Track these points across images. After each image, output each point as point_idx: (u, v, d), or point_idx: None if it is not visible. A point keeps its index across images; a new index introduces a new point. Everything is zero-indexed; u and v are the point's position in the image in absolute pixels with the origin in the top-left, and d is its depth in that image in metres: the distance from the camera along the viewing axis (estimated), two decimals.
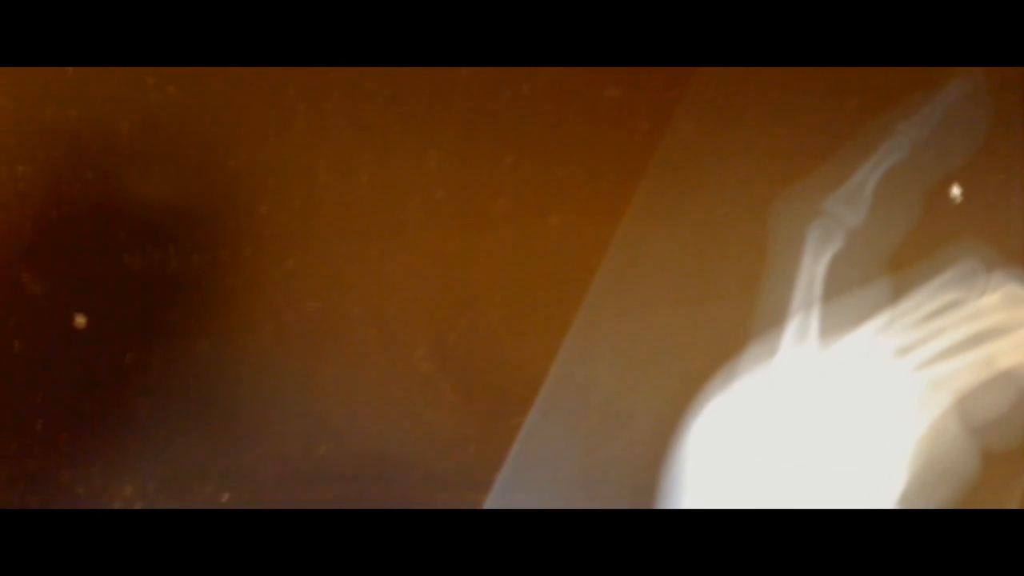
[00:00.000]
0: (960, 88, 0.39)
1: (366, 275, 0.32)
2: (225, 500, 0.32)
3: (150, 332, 0.31)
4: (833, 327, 0.37)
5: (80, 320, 0.30)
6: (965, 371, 0.39)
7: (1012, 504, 0.35)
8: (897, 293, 0.38)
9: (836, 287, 0.37)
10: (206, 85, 0.30)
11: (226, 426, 0.32)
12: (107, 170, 0.29)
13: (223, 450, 0.32)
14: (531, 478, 0.34)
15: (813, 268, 0.37)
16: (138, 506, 0.31)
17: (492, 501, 0.34)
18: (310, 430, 0.32)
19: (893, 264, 0.38)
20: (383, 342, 0.33)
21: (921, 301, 0.39)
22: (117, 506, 0.31)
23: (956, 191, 0.39)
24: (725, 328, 0.36)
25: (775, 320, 0.37)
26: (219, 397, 0.32)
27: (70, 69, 0.28)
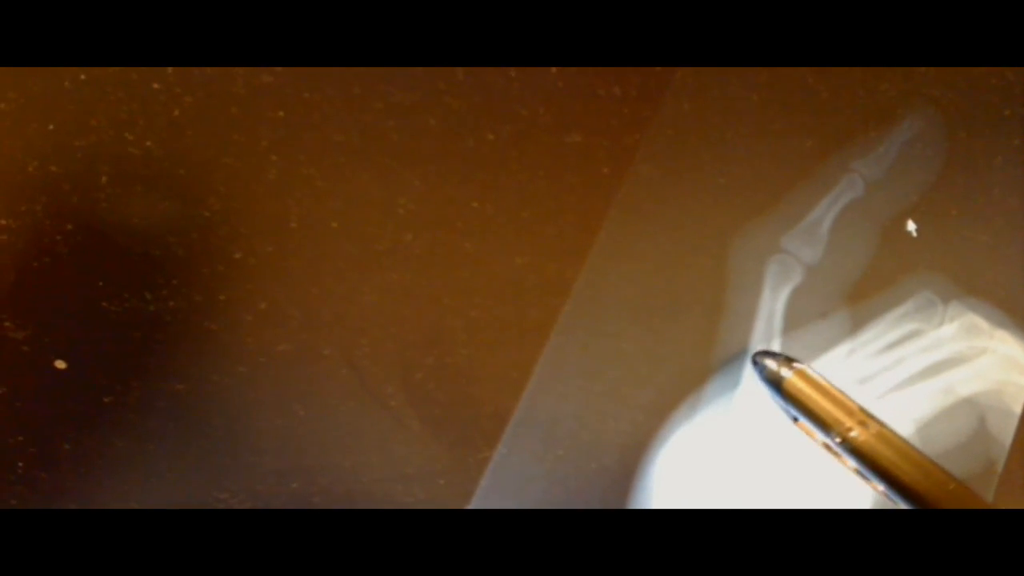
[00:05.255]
0: (913, 127, 0.40)
1: (337, 316, 0.33)
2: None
3: (128, 375, 0.31)
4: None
5: (60, 364, 0.31)
6: (925, 399, 0.40)
7: None
8: (856, 325, 0.39)
9: (796, 320, 0.38)
10: (182, 138, 0.31)
11: (201, 464, 0.32)
12: (86, 221, 0.30)
13: (198, 488, 0.32)
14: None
15: (773, 302, 0.38)
16: None
17: None
18: (283, 467, 0.33)
19: (852, 297, 0.39)
20: (353, 380, 0.33)
21: (880, 332, 0.40)
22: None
23: (911, 226, 0.40)
24: (688, 362, 0.37)
25: (737, 353, 0.38)
26: (195, 437, 0.32)
27: (52, 125, 0.29)
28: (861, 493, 0.38)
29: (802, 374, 0.36)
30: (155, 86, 0.30)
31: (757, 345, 0.38)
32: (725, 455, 0.37)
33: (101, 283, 0.30)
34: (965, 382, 0.41)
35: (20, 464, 0.31)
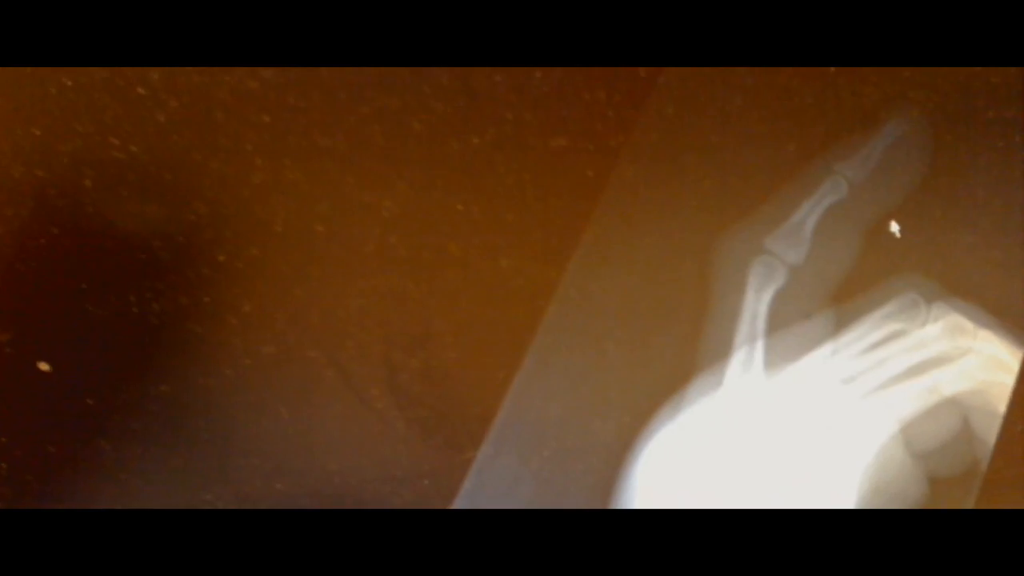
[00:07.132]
0: (896, 129, 0.40)
1: (322, 319, 0.33)
2: None
3: (112, 377, 0.31)
4: (778, 359, 0.38)
5: (44, 366, 0.31)
6: (909, 399, 0.40)
7: None
8: (840, 325, 0.39)
9: (780, 321, 0.38)
10: (167, 143, 0.31)
11: (186, 466, 0.32)
12: (72, 225, 0.30)
13: (184, 490, 0.32)
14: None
15: (756, 304, 0.38)
16: None
17: None
18: (269, 468, 0.33)
19: (835, 298, 0.39)
20: (339, 382, 0.34)
21: (864, 333, 0.40)
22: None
23: (895, 227, 0.40)
24: (672, 362, 0.37)
25: (721, 354, 0.38)
26: (179, 439, 0.32)
27: (38, 131, 0.29)
28: (846, 493, 0.38)
29: None
30: (140, 91, 0.30)
31: (741, 346, 0.38)
32: (710, 455, 0.38)
33: (85, 286, 0.31)
34: (949, 382, 0.41)
35: (4, 466, 0.31)
